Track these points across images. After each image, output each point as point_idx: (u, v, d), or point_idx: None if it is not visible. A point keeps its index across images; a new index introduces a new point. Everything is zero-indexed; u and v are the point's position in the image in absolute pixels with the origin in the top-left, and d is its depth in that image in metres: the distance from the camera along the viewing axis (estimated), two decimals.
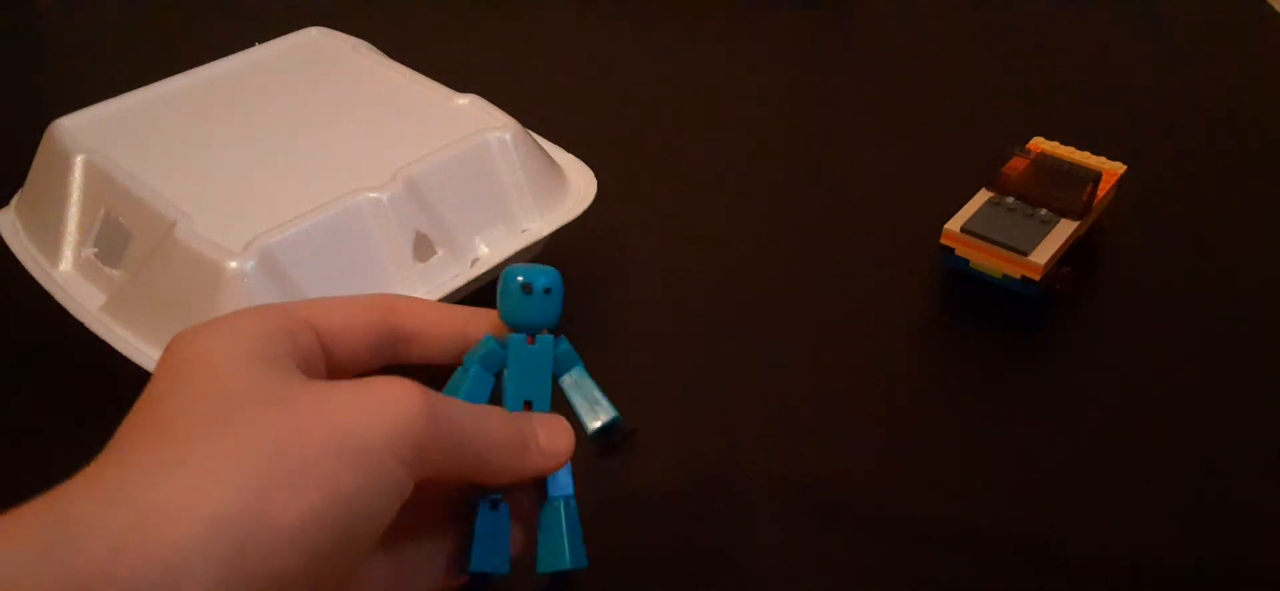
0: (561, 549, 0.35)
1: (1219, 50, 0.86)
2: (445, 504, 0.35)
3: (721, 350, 0.55)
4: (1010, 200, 0.59)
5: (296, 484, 0.27)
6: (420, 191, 0.52)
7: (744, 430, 0.50)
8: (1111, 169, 0.62)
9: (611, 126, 0.74)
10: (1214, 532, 0.46)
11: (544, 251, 0.56)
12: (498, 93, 0.59)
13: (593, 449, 0.36)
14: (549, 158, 0.58)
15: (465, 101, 0.58)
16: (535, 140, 0.58)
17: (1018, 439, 0.50)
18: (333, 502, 0.27)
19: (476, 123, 0.56)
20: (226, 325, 0.31)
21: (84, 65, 0.82)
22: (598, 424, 0.37)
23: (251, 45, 0.63)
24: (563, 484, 0.36)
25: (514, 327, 0.35)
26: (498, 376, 0.35)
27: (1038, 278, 0.56)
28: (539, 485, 0.36)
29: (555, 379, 0.37)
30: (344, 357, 0.34)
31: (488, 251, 0.53)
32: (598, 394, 0.37)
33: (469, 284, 0.52)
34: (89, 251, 0.52)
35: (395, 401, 0.29)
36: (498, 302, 0.35)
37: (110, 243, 0.51)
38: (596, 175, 0.58)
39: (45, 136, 0.55)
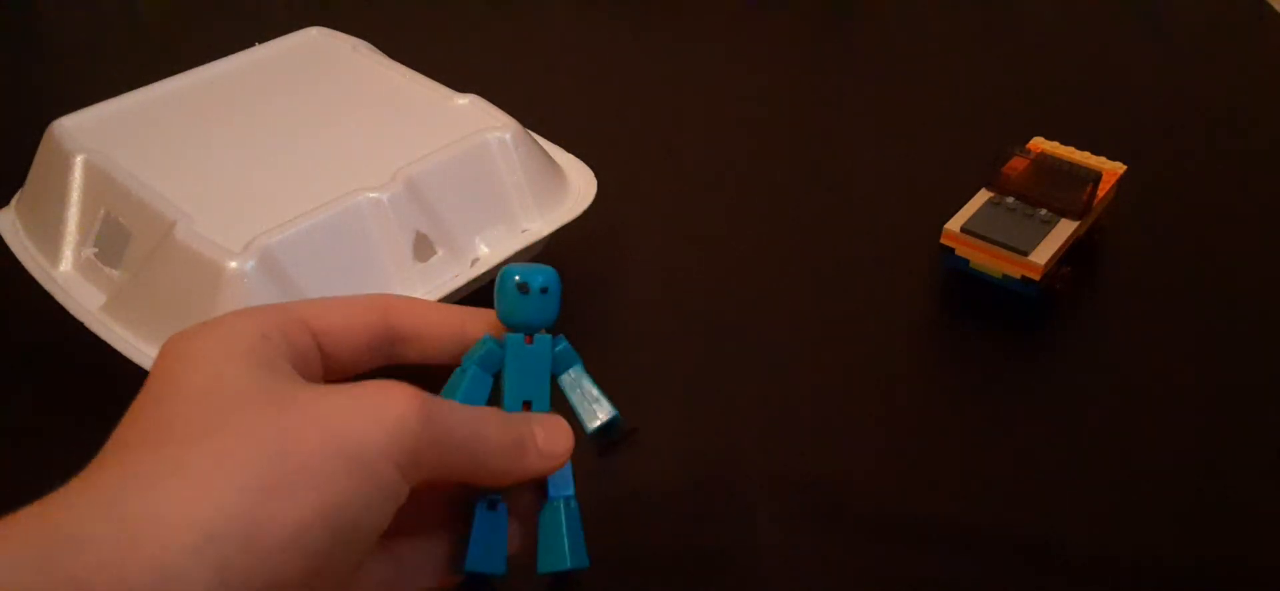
0: (562, 549, 0.35)
1: (1219, 50, 0.86)
2: (443, 503, 0.35)
3: (721, 350, 0.55)
4: (1010, 200, 0.59)
5: (292, 490, 0.27)
6: (420, 191, 0.51)
7: (744, 430, 0.50)
8: (1111, 169, 0.62)
9: (611, 126, 0.74)
10: (1214, 532, 0.46)
11: (544, 251, 0.56)
12: (498, 93, 0.59)
13: (593, 448, 0.36)
14: (549, 158, 0.58)
15: (465, 101, 0.58)
16: (535, 140, 0.58)
17: (1018, 439, 0.50)
18: (328, 508, 0.27)
19: (476, 123, 0.56)
20: (222, 326, 0.31)
21: (84, 65, 0.82)
22: (597, 423, 0.36)
23: (251, 45, 0.63)
24: (564, 483, 0.36)
25: (511, 327, 0.35)
26: (496, 377, 0.35)
27: (1038, 278, 0.56)
28: (539, 485, 0.36)
29: (554, 378, 0.36)
30: (341, 358, 0.34)
31: (488, 251, 0.53)
32: (597, 393, 0.37)
33: (469, 284, 0.52)
34: (89, 251, 0.52)
35: (391, 406, 0.29)
36: (495, 302, 0.35)
37: (110, 243, 0.51)
38: (596, 175, 0.58)
39: (45, 136, 0.55)
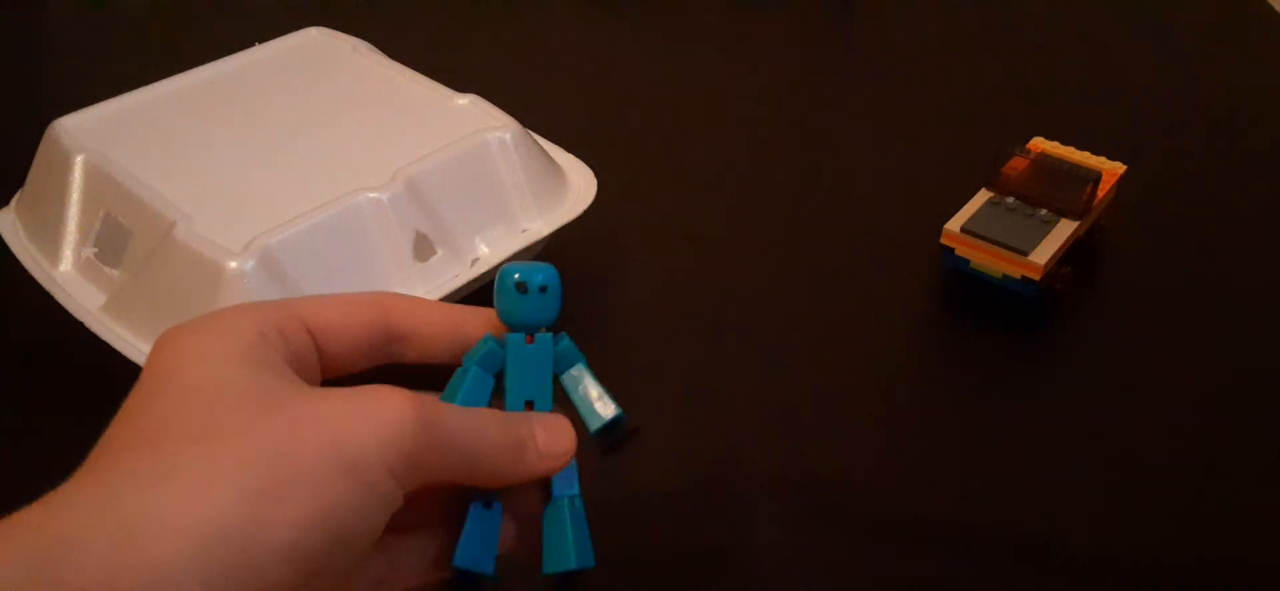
0: (567, 548, 0.35)
1: (1219, 50, 0.86)
2: (440, 500, 0.35)
3: (721, 350, 0.55)
4: (1010, 200, 0.59)
5: (287, 496, 0.27)
6: (420, 191, 0.51)
7: (744, 430, 0.50)
8: (1111, 169, 0.62)
9: (611, 126, 0.74)
10: (1214, 532, 0.46)
11: (544, 251, 0.56)
12: (498, 93, 0.59)
13: (596, 447, 0.36)
14: (549, 158, 0.58)
15: (465, 101, 0.58)
16: (535, 140, 0.58)
17: (1018, 439, 0.50)
18: (323, 515, 0.27)
19: (476, 123, 0.56)
20: (219, 323, 0.31)
21: (84, 65, 0.82)
22: (600, 422, 0.36)
23: (251, 45, 0.63)
24: (568, 482, 0.35)
25: (511, 326, 0.35)
26: (498, 376, 0.35)
27: (1038, 278, 0.56)
28: (543, 484, 0.36)
29: (556, 377, 0.36)
30: (338, 356, 0.33)
31: (488, 251, 0.53)
32: (600, 391, 0.36)
33: (469, 284, 0.52)
34: (89, 251, 0.52)
35: (387, 411, 0.29)
36: (495, 302, 0.35)
37: (110, 243, 0.51)
38: (596, 175, 0.58)
39: (45, 136, 0.55)
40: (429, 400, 0.30)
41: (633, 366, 0.54)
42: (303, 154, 0.54)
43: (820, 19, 0.90)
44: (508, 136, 0.55)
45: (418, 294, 0.51)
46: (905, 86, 0.80)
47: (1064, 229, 0.57)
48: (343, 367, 0.34)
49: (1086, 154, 0.63)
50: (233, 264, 0.46)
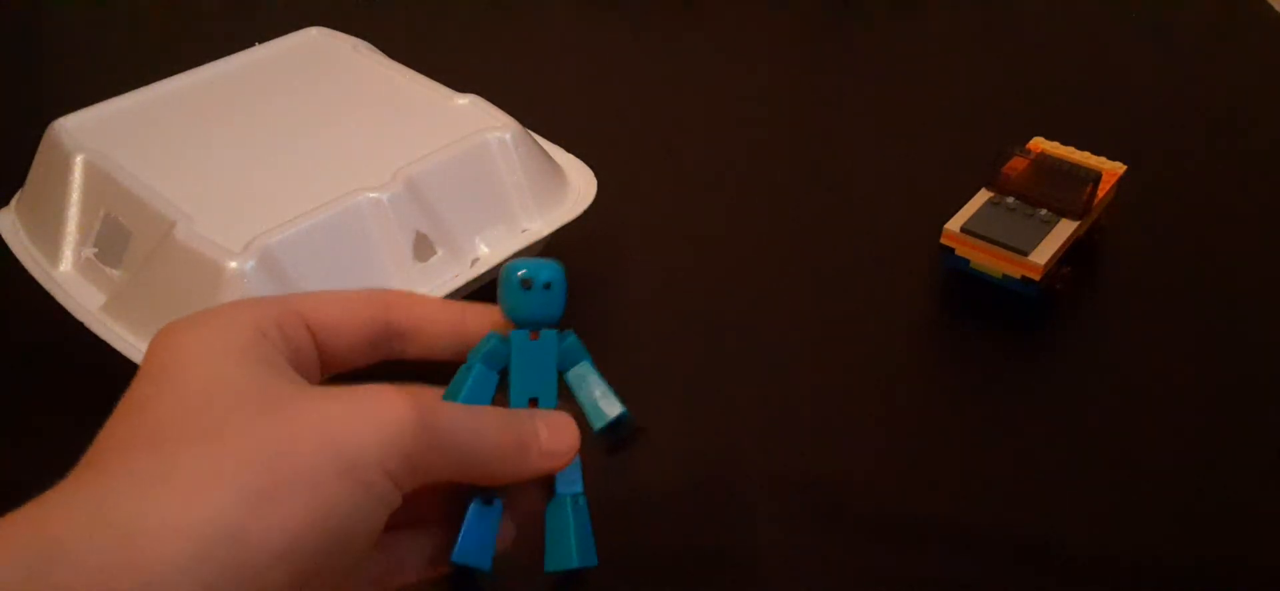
0: (569, 547, 0.34)
1: (1219, 50, 0.86)
2: (441, 496, 0.35)
3: (721, 350, 0.55)
4: (1010, 200, 0.59)
5: (285, 498, 0.26)
6: (420, 191, 0.51)
7: (744, 430, 0.50)
8: (1111, 169, 0.62)
9: (611, 126, 0.74)
10: (1214, 532, 0.46)
11: (544, 251, 0.56)
12: (498, 93, 0.59)
13: (601, 445, 0.35)
14: (549, 158, 0.58)
15: (465, 101, 0.58)
16: (535, 140, 0.58)
17: (1018, 439, 0.50)
18: (320, 518, 0.27)
19: (476, 123, 0.56)
20: (217, 319, 0.30)
21: (84, 65, 0.82)
22: (604, 420, 0.36)
23: (251, 45, 0.63)
24: (572, 480, 0.35)
25: (516, 323, 0.35)
26: (502, 373, 0.35)
27: (1038, 278, 0.56)
28: (546, 481, 0.36)
29: (561, 374, 0.36)
30: (338, 353, 0.33)
31: (488, 251, 0.53)
32: (605, 389, 0.36)
33: (469, 284, 0.52)
34: (89, 251, 0.52)
35: (386, 413, 0.29)
36: (499, 298, 0.35)
37: (110, 243, 0.51)
38: (596, 175, 0.58)
39: (45, 136, 0.55)
40: (429, 400, 0.30)
41: (633, 366, 0.54)
42: (303, 154, 0.54)
43: (820, 19, 0.90)
44: (508, 136, 0.55)
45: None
46: (905, 86, 0.80)
47: (1064, 229, 0.57)
48: (342, 364, 0.34)
49: (1086, 154, 0.63)
50: (233, 264, 0.46)
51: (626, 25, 0.88)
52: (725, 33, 0.87)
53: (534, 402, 0.35)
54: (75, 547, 0.25)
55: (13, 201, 0.57)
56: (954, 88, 0.80)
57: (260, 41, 0.64)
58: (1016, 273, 0.56)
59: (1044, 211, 0.58)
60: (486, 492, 0.34)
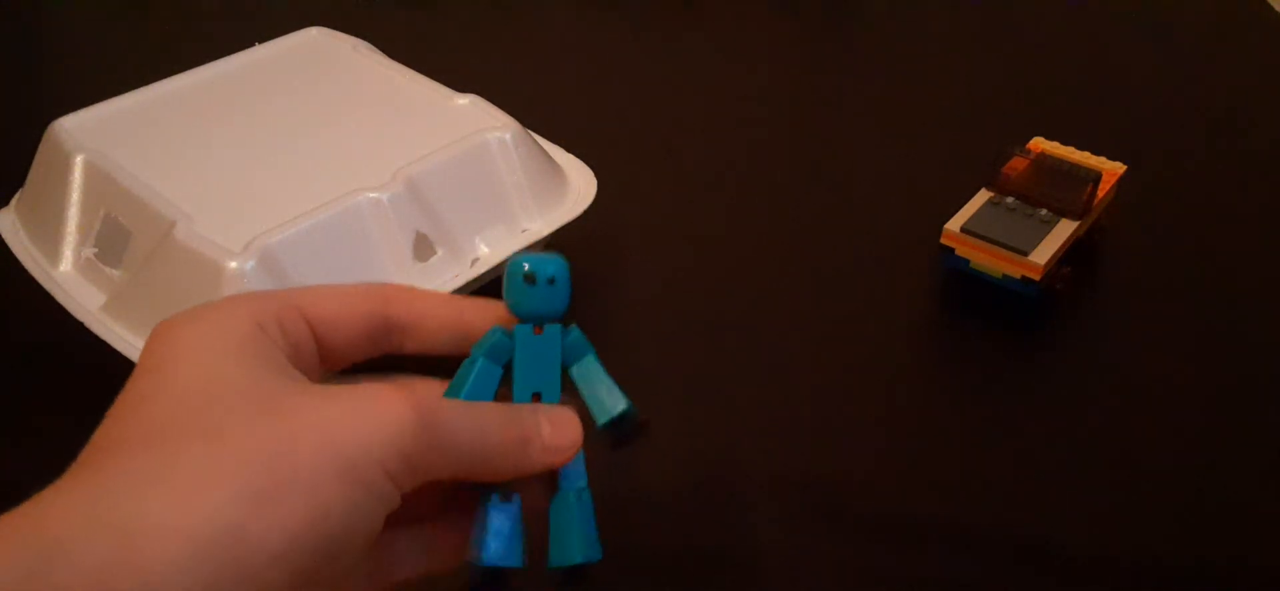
0: (573, 542, 0.34)
1: (1219, 50, 0.86)
2: (438, 492, 0.35)
3: (721, 350, 0.55)
4: (1010, 200, 0.59)
5: (283, 499, 0.26)
6: (420, 191, 0.51)
7: (744, 430, 0.50)
8: (1111, 169, 0.62)
9: (611, 126, 0.74)
10: (1214, 532, 0.46)
11: (544, 251, 0.56)
12: (498, 93, 0.59)
13: (605, 441, 0.35)
14: (549, 158, 0.58)
15: (465, 101, 0.58)
16: (535, 140, 0.58)
17: (1018, 439, 0.50)
18: (319, 519, 0.27)
19: (476, 123, 0.56)
20: (215, 314, 0.30)
21: (84, 65, 0.82)
22: (608, 415, 0.35)
23: (251, 45, 0.63)
24: (576, 475, 0.35)
25: (520, 317, 0.35)
26: (506, 367, 0.35)
27: (1038, 278, 0.56)
28: (550, 475, 0.35)
29: (565, 369, 0.36)
30: (337, 347, 0.33)
31: (488, 251, 0.53)
32: (609, 384, 0.35)
33: (469, 284, 0.52)
34: (89, 251, 0.52)
35: (385, 413, 0.28)
36: (503, 292, 0.35)
37: (110, 243, 0.51)
38: (596, 175, 0.58)
39: (45, 136, 0.55)
40: (430, 397, 0.30)
41: (633, 366, 0.53)
42: (303, 154, 0.54)
43: (820, 19, 0.90)
44: (508, 136, 0.55)
45: None
46: (905, 86, 0.80)
47: (1064, 229, 0.57)
48: (341, 359, 0.33)
49: (1086, 154, 0.63)
50: (233, 264, 0.46)
51: (626, 25, 0.88)
52: (725, 33, 0.87)
53: (537, 397, 0.35)
54: (74, 548, 0.24)
55: (13, 201, 0.57)
56: (954, 88, 0.80)
57: (260, 41, 0.64)
58: (1016, 272, 0.56)
59: (1044, 211, 0.58)
60: (503, 489, 0.34)
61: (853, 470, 0.49)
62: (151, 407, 0.28)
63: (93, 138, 0.54)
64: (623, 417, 0.35)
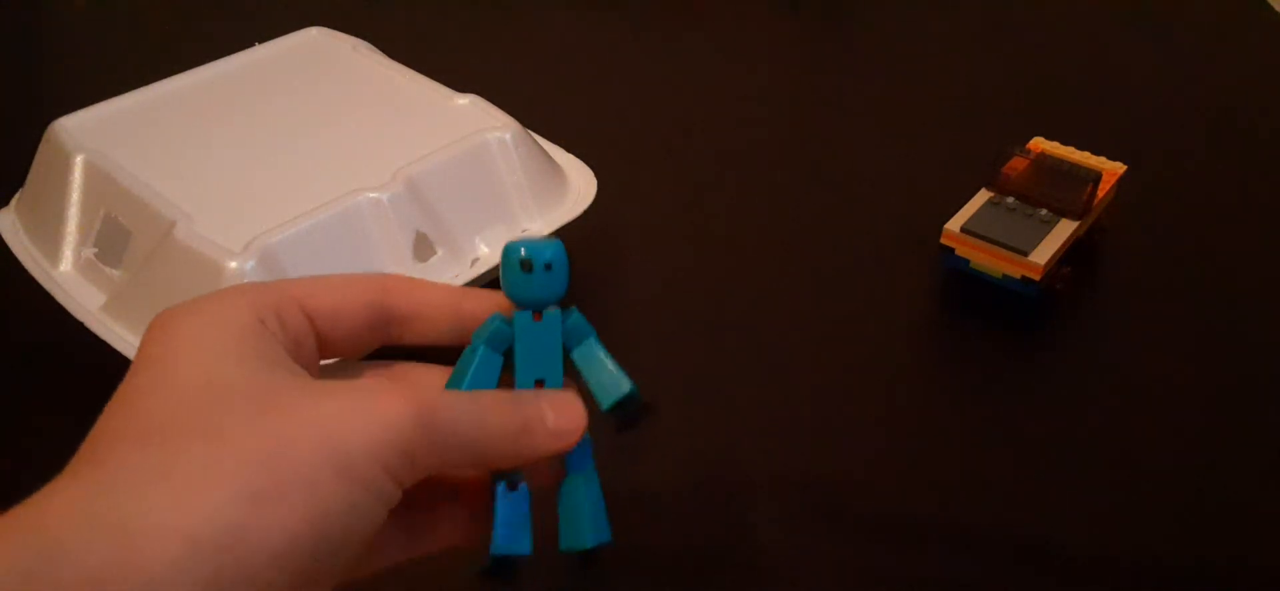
0: (583, 525, 0.34)
1: (1219, 50, 0.86)
2: (438, 482, 0.35)
3: (721, 350, 0.55)
4: (1010, 200, 0.59)
5: (282, 498, 0.26)
6: (420, 191, 0.52)
7: (744, 430, 0.50)
8: (1111, 169, 0.62)
9: (611, 126, 0.74)
10: (1214, 532, 0.46)
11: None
12: (498, 93, 0.59)
13: (611, 424, 0.35)
14: (549, 158, 0.58)
15: (465, 101, 0.58)
16: (535, 140, 0.58)
17: (1018, 439, 0.50)
18: (319, 518, 0.27)
19: (476, 123, 0.56)
20: (214, 307, 0.30)
21: (84, 65, 0.82)
22: (612, 398, 0.34)
23: (251, 45, 0.63)
24: (582, 458, 0.35)
25: (518, 304, 0.34)
26: (507, 354, 0.35)
27: (1038, 278, 0.56)
28: (557, 460, 0.35)
29: (567, 353, 0.35)
30: (336, 339, 0.33)
31: (488, 251, 0.53)
32: (612, 367, 0.35)
33: (469, 284, 0.52)
34: (89, 251, 0.52)
35: (385, 411, 0.28)
36: (501, 279, 0.35)
37: (110, 243, 0.51)
38: (596, 175, 0.58)
39: (45, 136, 0.55)
40: (430, 391, 0.30)
41: (633, 366, 0.53)
42: (303, 154, 0.54)
43: (820, 19, 0.90)
44: (508, 136, 0.55)
45: None
46: (905, 86, 0.80)
47: (1064, 229, 0.57)
48: (340, 351, 0.33)
49: (1086, 154, 0.63)
50: (233, 264, 0.46)
51: (626, 25, 0.88)
52: (725, 33, 0.87)
53: (540, 384, 0.34)
54: (74, 547, 0.24)
55: (13, 201, 0.57)
56: (954, 88, 0.80)
57: (260, 41, 0.64)
58: (1016, 272, 0.56)
59: (1044, 211, 0.58)
60: (510, 477, 0.34)
61: (853, 470, 0.49)
62: (151, 403, 0.28)
63: (93, 138, 0.54)
64: (627, 400, 0.35)
